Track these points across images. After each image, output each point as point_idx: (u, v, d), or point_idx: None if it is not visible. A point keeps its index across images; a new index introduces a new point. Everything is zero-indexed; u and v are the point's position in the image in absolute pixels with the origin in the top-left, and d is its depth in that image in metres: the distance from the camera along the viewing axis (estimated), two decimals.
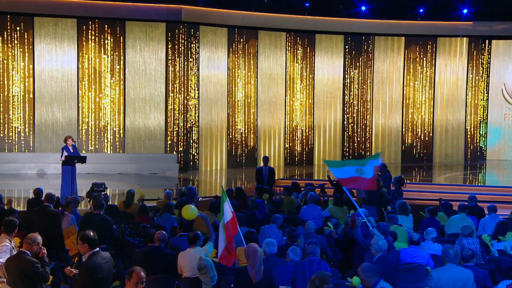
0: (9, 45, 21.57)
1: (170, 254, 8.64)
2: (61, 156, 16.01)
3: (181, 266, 8.35)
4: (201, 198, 14.94)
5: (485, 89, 26.41)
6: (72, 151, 15.96)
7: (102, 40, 22.24)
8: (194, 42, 22.95)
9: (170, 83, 22.64)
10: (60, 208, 11.55)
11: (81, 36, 22.09)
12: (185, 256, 8.41)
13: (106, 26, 22.26)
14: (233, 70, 24.05)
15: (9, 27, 21.58)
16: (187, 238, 8.72)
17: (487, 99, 26.42)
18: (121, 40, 22.39)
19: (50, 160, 20.67)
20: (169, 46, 22.61)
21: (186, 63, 22.69)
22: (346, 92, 25.79)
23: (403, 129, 26.34)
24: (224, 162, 24.11)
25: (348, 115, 25.86)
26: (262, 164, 16.65)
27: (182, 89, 22.74)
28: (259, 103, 24.61)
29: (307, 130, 25.52)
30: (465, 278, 7.29)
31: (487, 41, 26.08)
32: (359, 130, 26.00)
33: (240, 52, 24.15)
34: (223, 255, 7.89)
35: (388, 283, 6.66)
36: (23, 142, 21.84)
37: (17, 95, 21.74)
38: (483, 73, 26.34)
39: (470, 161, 26.42)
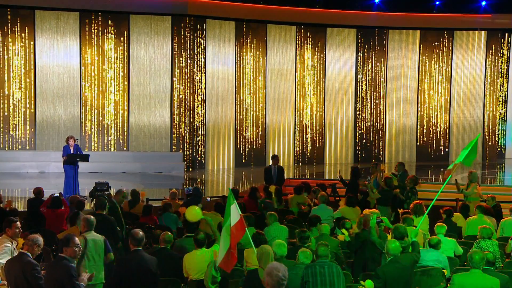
0: (9, 39, 21.27)
1: (176, 256, 8.52)
2: (63, 155, 15.84)
3: (187, 268, 8.23)
4: (209, 199, 14.46)
5: (504, 85, 26.02)
6: (72, 151, 15.77)
7: (105, 34, 21.96)
8: (200, 36, 22.66)
9: (176, 79, 22.23)
10: (63, 207, 11.53)
11: (84, 30, 21.82)
12: (191, 258, 8.27)
13: (109, 19, 21.97)
14: (241, 65, 23.71)
15: (9, 21, 21.26)
16: (193, 239, 8.62)
17: (506, 95, 26.06)
18: (125, 34, 22.15)
19: (52, 158, 20.46)
20: (175, 40, 22.34)
21: (192, 58, 22.34)
22: (358, 88, 25.46)
23: (418, 127, 25.93)
24: (232, 161, 23.85)
25: (360, 112, 25.52)
26: (271, 163, 16.46)
27: (188, 85, 22.31)
28: (268, 100, 24.35)
29: (317, 128, 25.16)
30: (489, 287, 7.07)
31: (506, 34, 25.77)
32: (371, 127, 25.60)
33: (248, 47, 23.80)
34: (225, 260, 7.54)
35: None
36: (23, 140, 21.56)
37: (18, 91, 21.43)
38: (502, 68, 25.92)
39: (488, 160, 26.05)
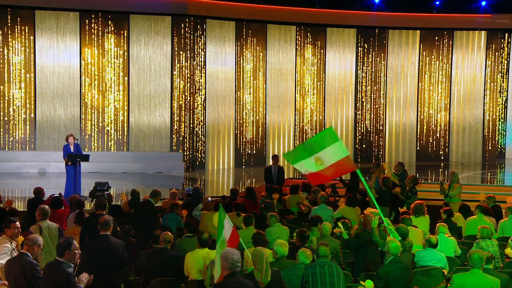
0: (9, 39, 21.19)
1: (176, 256, 8.58)
2: (64, 155, 15.75)
3: (188, 267, 8.28)
4: (210, 199, 14.46)
5: (504, 85, 25.93)
6: (73, 150, 15.71)
7: (105, 34, 21.90)
8: (200, 36, 22.53)
9: (176, 79, 22.14)
10: (63, 207, 11.54)
11: (84, 30, 21.76)
12: (193, 257, 8.32)
13: (109, 19, 21.91)
14: (241, 65, 23.63)
15: (9, 21, 21.20)
16: (193, 239, 8.70)
17: (506, 95, 25.96)
18: (125, 34, 22.10)
19: (52, 158, 20.42)
20: (175, 40, 22.28)
21: (192, 58, 22.24)
22: (358, 88, 25.39)
23: (418, 127, 25.86)
24: (232, 161, 23.79)
25: (360, 112, 25.43)
26: (271, 163, 16.43)
27: (188, 85, 22.23)
28: (268, 100, 24.30)
29: (317, 128, 25.06)
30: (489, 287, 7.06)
31: (506, 34, 25.69)
32: (371, 127, 25.46)
33: (248, 47, 23.73)
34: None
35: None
36: (23, 140, 21.52)
37: (18, 91, 21.36)
38: (502, 68, 25.80)
39: (488, 160, 25.98)
